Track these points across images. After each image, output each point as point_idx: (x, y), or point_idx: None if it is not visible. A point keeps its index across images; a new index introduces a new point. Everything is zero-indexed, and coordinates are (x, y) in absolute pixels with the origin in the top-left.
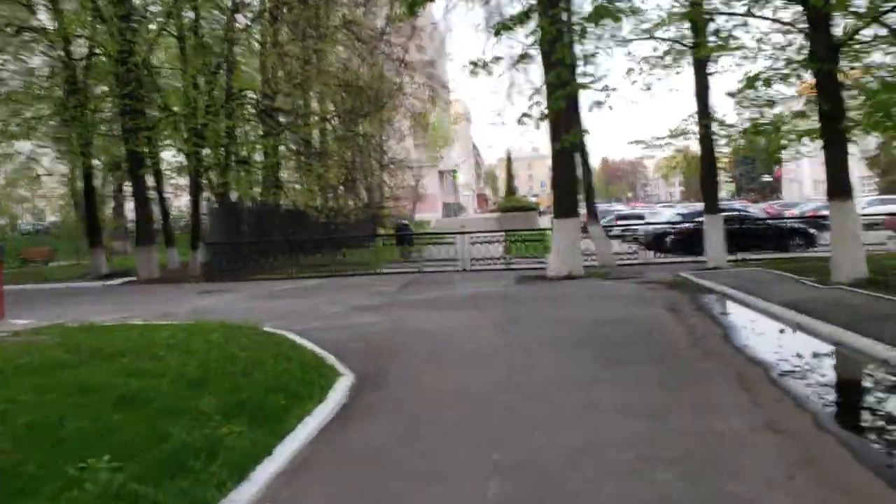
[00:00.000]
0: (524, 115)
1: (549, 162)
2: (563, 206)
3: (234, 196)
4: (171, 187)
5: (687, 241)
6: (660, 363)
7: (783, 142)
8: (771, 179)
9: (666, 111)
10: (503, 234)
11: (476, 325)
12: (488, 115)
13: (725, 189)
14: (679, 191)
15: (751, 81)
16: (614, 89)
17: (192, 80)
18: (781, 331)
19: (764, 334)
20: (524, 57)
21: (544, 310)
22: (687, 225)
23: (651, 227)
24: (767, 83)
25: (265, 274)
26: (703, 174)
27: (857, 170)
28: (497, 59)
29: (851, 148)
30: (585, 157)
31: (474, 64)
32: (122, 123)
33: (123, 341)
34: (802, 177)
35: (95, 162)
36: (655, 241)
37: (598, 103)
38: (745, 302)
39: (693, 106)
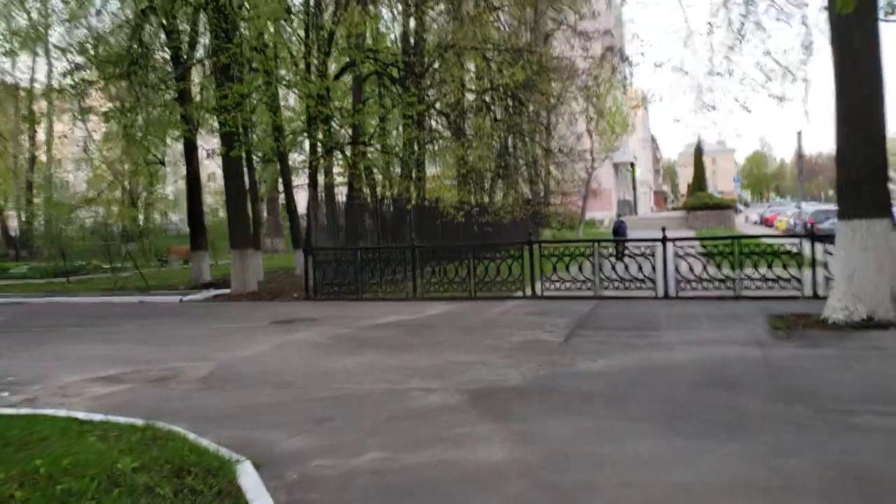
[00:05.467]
0: None
1: (737, 156)
2: (860, 195)
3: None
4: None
5: None
6: None
7: None
8: None
9: None
10: (728, 241)
11: None
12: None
13: None
14: None
15: None
16: None
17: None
18: None
19: None
20: None
21: None
22: None
23: None
24: None
25: (382, 290)
26: None
27: None
28: None
29: None
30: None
31: None
32: (214, 92)
33: None
34: None
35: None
36: None
37: None
38: None
39: None
